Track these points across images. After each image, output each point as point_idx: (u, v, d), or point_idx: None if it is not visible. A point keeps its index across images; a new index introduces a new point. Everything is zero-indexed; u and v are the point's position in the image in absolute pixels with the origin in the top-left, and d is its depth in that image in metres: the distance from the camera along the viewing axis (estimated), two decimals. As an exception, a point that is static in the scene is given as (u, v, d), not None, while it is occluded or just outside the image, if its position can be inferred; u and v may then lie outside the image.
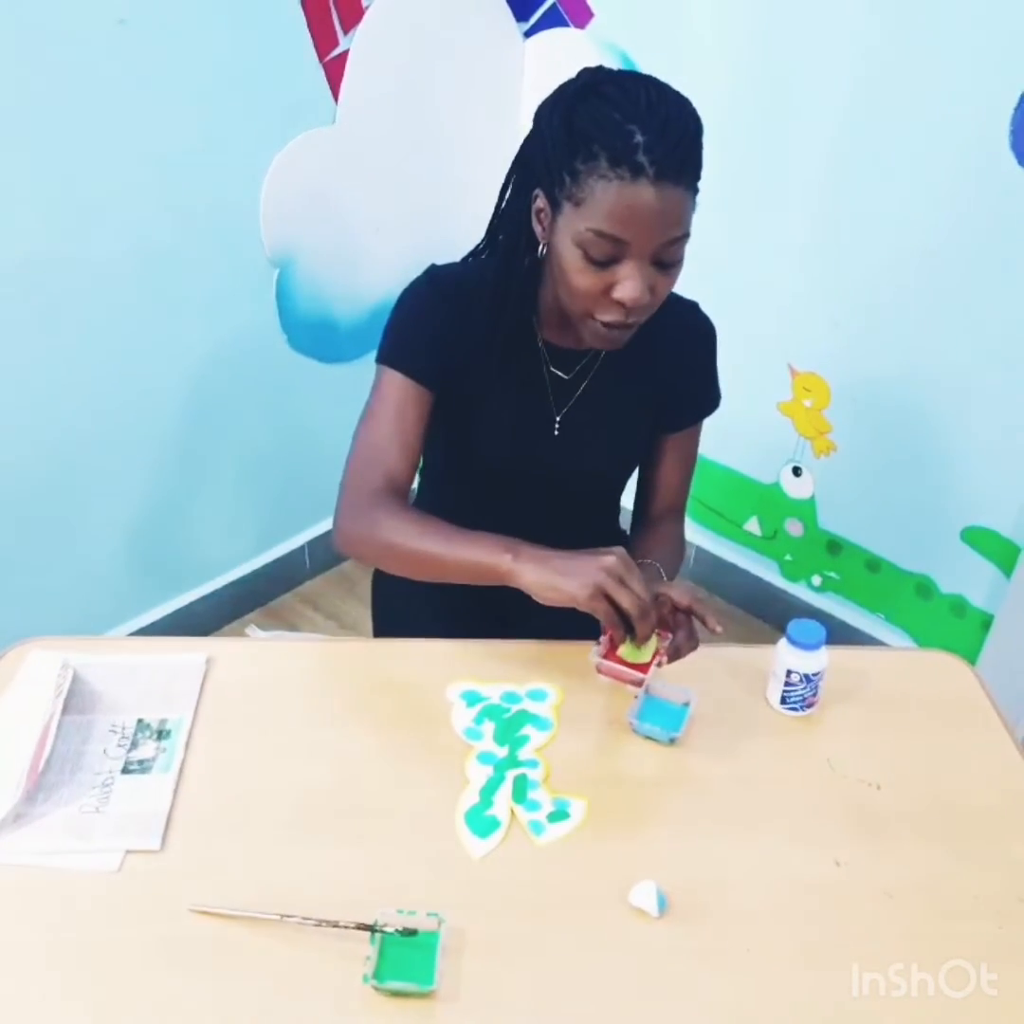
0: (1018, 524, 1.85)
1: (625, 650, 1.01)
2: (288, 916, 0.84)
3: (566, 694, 1.10)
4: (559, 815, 0.96)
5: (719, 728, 1.07)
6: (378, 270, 2.12)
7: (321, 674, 1.14)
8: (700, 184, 0.99)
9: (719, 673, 1.14)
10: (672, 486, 1.30)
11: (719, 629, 1.02)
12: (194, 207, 1.79)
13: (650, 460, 1.30)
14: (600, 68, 1.01)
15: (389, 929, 0.83)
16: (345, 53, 1.89)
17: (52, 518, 1.82)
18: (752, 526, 2.30)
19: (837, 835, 0.97)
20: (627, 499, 1.38)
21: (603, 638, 1.04)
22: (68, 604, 1.89)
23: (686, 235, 1.00)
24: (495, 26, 2.12)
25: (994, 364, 1.77)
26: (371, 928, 0.83)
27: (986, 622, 1.94)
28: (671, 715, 1.06)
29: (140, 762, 0.99)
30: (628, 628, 0.98)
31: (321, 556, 2.36)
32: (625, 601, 0.95)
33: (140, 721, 1.04)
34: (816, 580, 2.23)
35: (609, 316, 1.02)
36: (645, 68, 1.49)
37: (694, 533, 2.35)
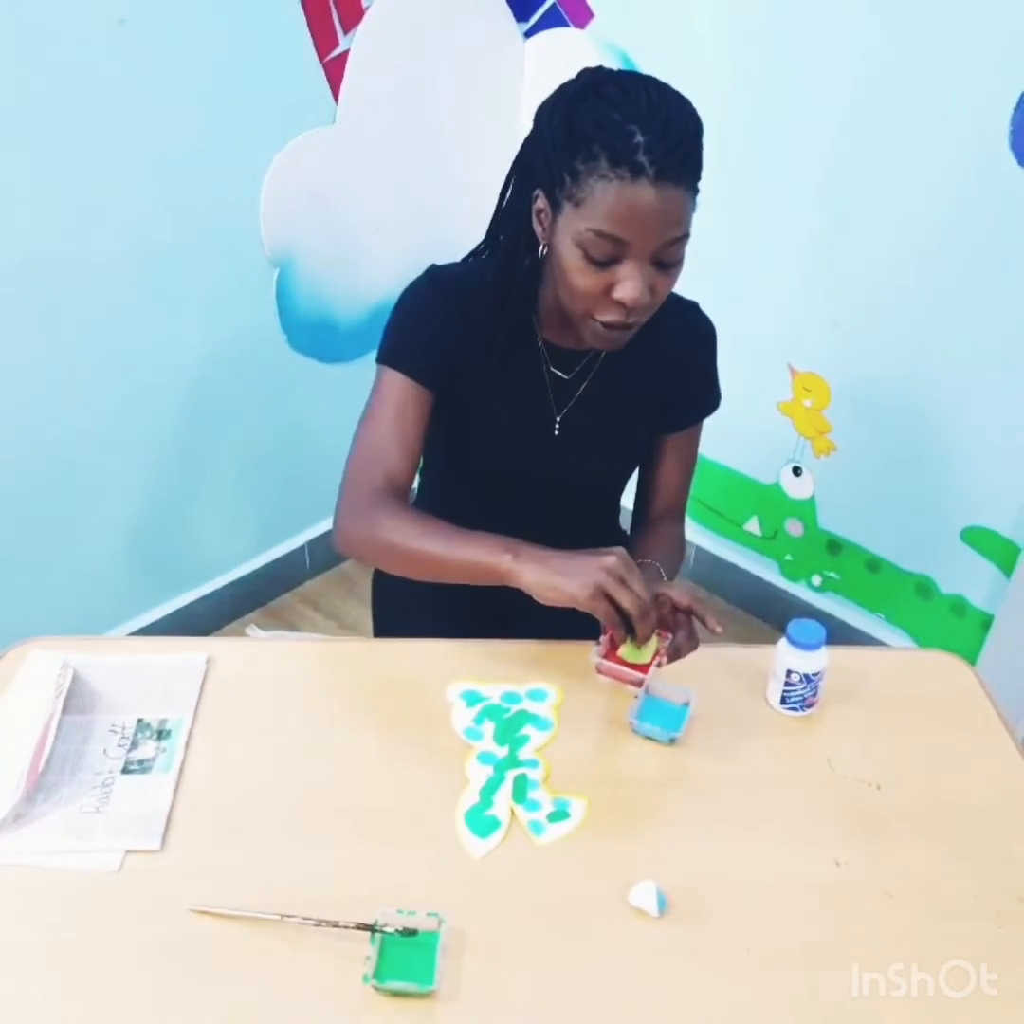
0: (1018, 524, 1.85)
1: (625, 650, 1.01)
2: (288, 916, 0.84)
3: (566, 694, 1.10)
4: (559, 815, 0.96)
5: (719, 728, 1.07)
6: (378, 270, 2.12)
7: (321, 674, 1.14)
8: (700, 184, 0.99)
9: (719, 673, 1.14)
10: (672, 486, 1.30)
11: (719, 629, 1.02)
12: (194, 207, 1.79)
13: (650, 460, 1.30)
14: (600, 68, 1.01)
15: (389, 929, 0.83)
16: (345, 53, 1.89)
17: (52, 518, 1.82)
18: (752, 526, 2.30)
19: (837, 835, 0.97)
20: (627, 499, 1.38)
21: (603, 638, 1.04)
22: (68, 604, 1.89)
23: (686, 235, 1.00)
24: (495, 26, 2.12)
25: (994, 364, 1.77)
26: (371, 928, 0.83)
27: (986, 622, 1.94)
28: (671, 715, 1.06)
29: (140, 762, 0.99)
30: (628, 628, 0.98)
31: (321, 556, 2.36)
32: (625, 601, 0.95)
33: (140, 721, 1.04)
34: (816, 580, 2.23)
35: (609, 316, 1.02)
36: (645, 68, 1.49)
37: (694, 533, 2.35)
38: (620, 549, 0.98)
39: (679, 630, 1.04)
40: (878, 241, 1.84)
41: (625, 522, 1.39)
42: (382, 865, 0.91)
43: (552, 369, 1.19)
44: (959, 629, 2.00)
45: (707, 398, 1.28)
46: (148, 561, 2.04)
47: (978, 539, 1.92)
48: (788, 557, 2.27)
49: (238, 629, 2.20)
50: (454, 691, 1.09)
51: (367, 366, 1.18)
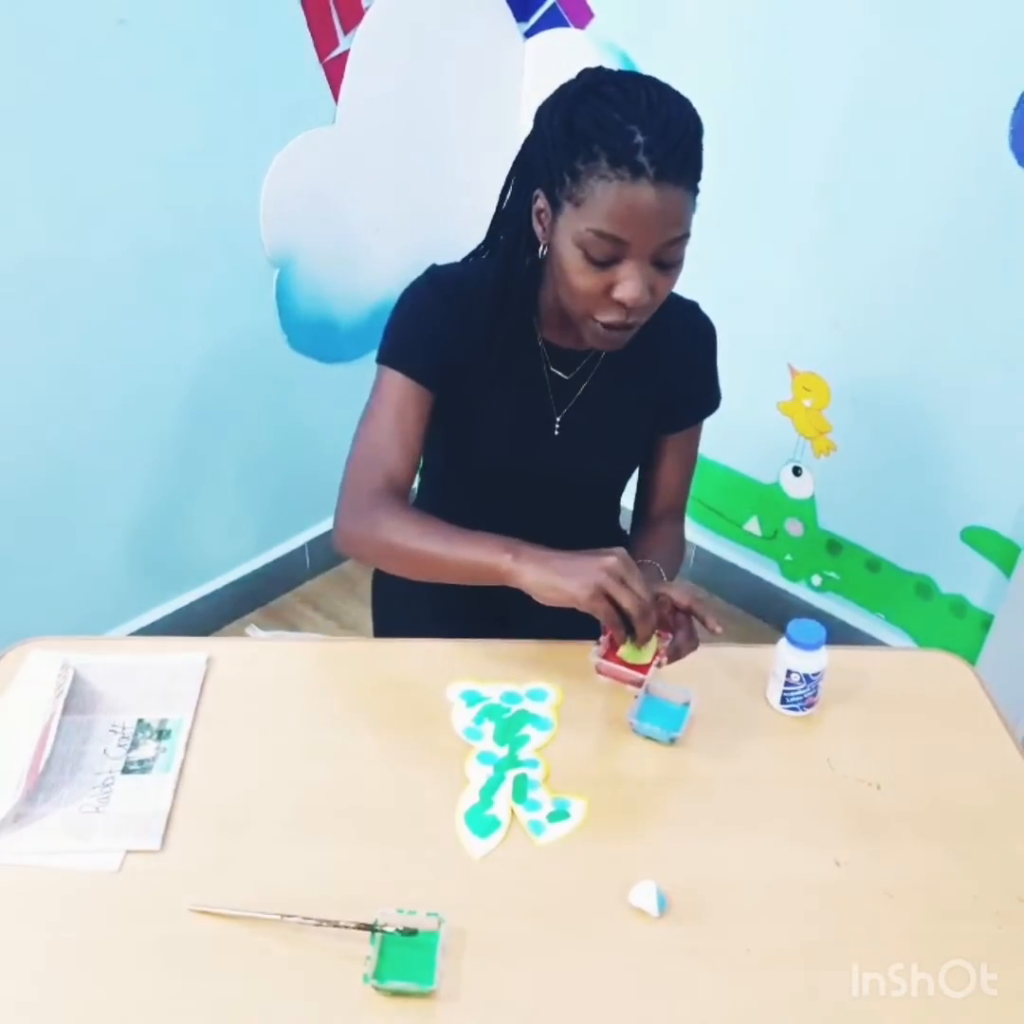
0: (1018, 524, 1.85)
1: (625, 651, 1.01)
2: (288, 916, 0.84)
3: (566, 694, 1.10)
4: (559, 815, 0.96)
5: (719, 728, 1.07)
6: (378, 270, 2.12)
7: (321, 674, 1.14)
8: (700, 184, 0.99)
9: (719, 673, 1.14)
10: (672, 486, 1.30)
11: (719, 629, 1.02)
12: (194, 207, 1.79)
13: (650, 460, 1.30)
14: (600, 68, 1.01)
15: (389, 929, 0.83)
16: (345, 53, 1.89)
17: (52, 518, 1.82)
18: (752, 526, 2.30)
19: (837, 835, 0.97)
20: (627, 499, 1.38)
21: (603, 638, 1.04)
22: (68, 604, 1.89)
23: (686, 235, 1.00)
24: (495, 26, 2.12)
25: (994, 364, 1.77)
26: (371, 928, 0.83)
27: (986, 622, 1.94)
28: (671, 715, 1.06)
29: (140, 762, 0.99)
30: (629, 629, 0.98)
31: (321, 556, 2.36)
32: (626, 601, 0.95)
33: (140, 721, 1.04)
34: (816, 580, 2.23)
35: (609, 317, 1.02)
36: (645, 68, 1.50)
37: (694, 533, 2.35)
38: (620, 549, 0.98)
39: (679, 630, 1.04)
40: (878, 241, 1.84)
41: (625, 522, 1.39)
42: (382, 865, 0.91)
43: (552, 369, 1.19)
44: (959, 629, 2.00)
45: (707, 398, 1.28)
46: (148, 561, 2.04)
47: (978, 539, 1.92)
48: (788, 557, 2.27)
49: (238, 629, 2.20)
50: (454, 691, 1.09)
51: (367, 366, 1.18)
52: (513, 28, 2.15)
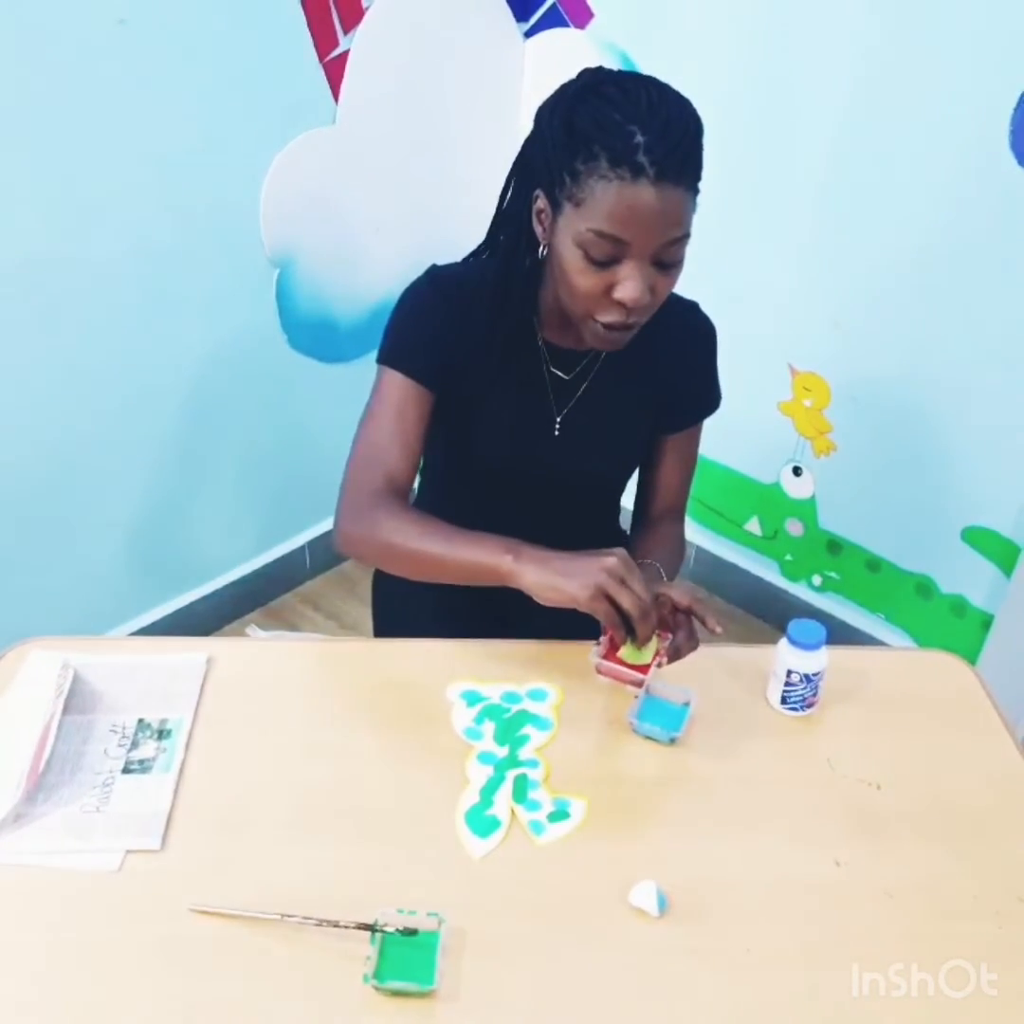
0: (1018, 524, 1.85)
1: (625, 651, 1.01)
2: (288, 916, 0.84)
3: (566, 694, 1.10)
4: (559, 815, 0.96)
5: (719, 728, 1.07)
6: (378, 270, 2.12)
7: (321, 674, 1.14)
8: (700, 184, 0.99)
9: (719, 673, 1.14)
10: (672, 487, 1.30)
11: (719, 629, 1.02)
12: (194, 207, 1.79)
13: (650, 460, 1.30)
14: (600, 68, 1.01)
15: (389, 929, 0.83)
16: (345, 53, 1.89)
17: (52, 518, 1.82)
18: (752, 526, 2.30)
19: (837, 835, 0.97)
20: (627, 499, 1.38)
21: (603, 638, 1.04)
22: (68, 604, 1.89)
23: (686, 235, 1.00)
24: (495, 26, 2.12)
25: (994, 364, 1.77)
26: (371, 928, 0.83)
27: (986, 622, 1.94)
28: (671, 715, 1.06)
29: (140, 762, 0.99)
30: (629, 629, 0.98)
31: (321, 556, 2.36)
32: (626, 602, 0.95)
33: (140, 721, 1.04)
34: (816, 580, 2.23)
35: (609, 317, 1.02)
36: (645, 68, 1.50)
37: (694, 533, 2.35)
38: (620, 550, 0.98)
39: (679, 630, 1.04)
40: (878, 241, 1.84)
41: (625, 522, 1.39)
42: (382, 865, 0.91)
43: (552, 369, 1.19)
44: (959, 629, 2.00)
45: (707, 398, 1.28)
46: (148, 561, 2.04)
47: (978, 539, 1.92)
48: (788, 557, 2.27)
49: (238, 629, 2.20)
50: (454, 691, 1.09)
51: (367, 366, 1.18)
52: (513, 28, 2.15)
